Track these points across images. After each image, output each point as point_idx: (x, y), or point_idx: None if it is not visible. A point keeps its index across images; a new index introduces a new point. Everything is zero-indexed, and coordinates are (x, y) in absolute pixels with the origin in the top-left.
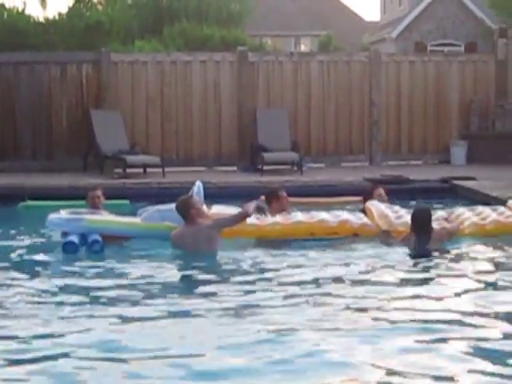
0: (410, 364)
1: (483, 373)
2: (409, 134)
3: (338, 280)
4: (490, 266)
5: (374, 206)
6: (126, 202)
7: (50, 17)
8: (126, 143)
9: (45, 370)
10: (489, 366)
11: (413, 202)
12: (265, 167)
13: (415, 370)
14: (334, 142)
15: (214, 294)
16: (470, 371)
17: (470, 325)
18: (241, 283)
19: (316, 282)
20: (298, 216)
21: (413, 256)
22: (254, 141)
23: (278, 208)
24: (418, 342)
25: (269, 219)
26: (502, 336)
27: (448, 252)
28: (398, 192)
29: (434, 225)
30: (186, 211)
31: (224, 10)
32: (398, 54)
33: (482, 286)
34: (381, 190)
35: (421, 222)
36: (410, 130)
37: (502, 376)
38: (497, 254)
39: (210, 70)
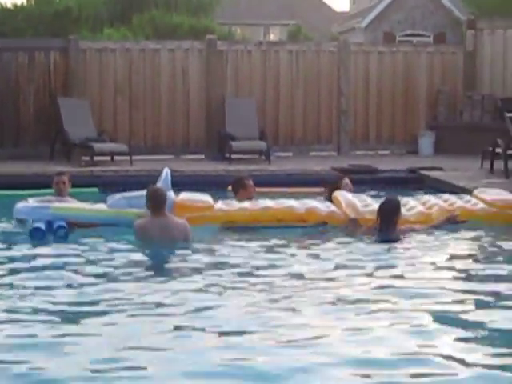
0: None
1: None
2: (377, 124)
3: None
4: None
5: (342, 195)
6: (95, 189)
7: (19, 3)
8: (94, 131)
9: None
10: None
11: (381, 193)
12: (233, 156)
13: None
14: (302, 131)
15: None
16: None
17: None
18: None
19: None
20: (267, 202)
21: (377, 242)
22: (221, 129)
23: (244, 197)
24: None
25: (237, 204)
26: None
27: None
28: (365, 182)
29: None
30: (163, 203)
31: None
32: (367, 44)
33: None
34: (347, 180)
35: (387, 213)
36: (378, 120)
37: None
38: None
39: (178, 58)
